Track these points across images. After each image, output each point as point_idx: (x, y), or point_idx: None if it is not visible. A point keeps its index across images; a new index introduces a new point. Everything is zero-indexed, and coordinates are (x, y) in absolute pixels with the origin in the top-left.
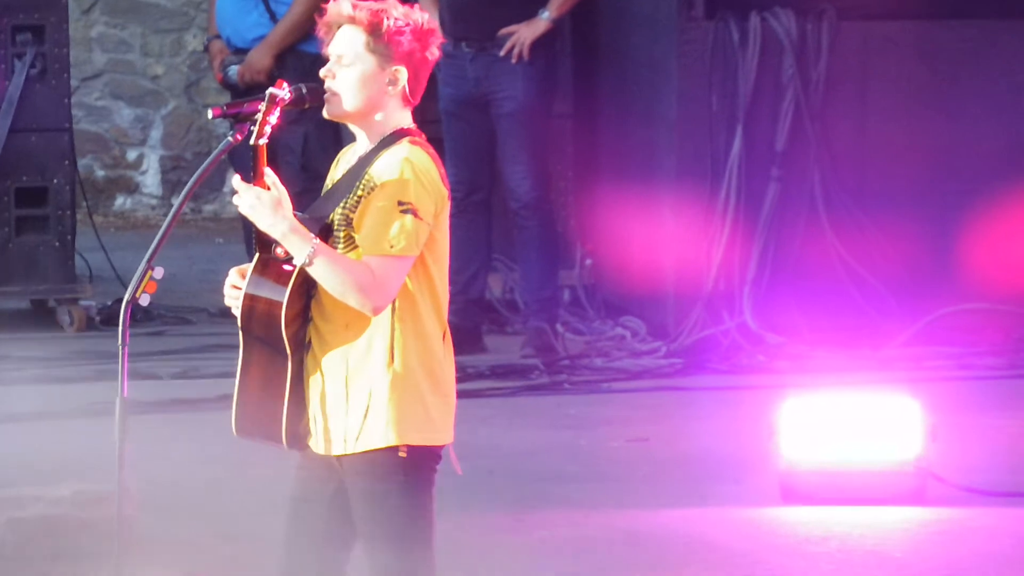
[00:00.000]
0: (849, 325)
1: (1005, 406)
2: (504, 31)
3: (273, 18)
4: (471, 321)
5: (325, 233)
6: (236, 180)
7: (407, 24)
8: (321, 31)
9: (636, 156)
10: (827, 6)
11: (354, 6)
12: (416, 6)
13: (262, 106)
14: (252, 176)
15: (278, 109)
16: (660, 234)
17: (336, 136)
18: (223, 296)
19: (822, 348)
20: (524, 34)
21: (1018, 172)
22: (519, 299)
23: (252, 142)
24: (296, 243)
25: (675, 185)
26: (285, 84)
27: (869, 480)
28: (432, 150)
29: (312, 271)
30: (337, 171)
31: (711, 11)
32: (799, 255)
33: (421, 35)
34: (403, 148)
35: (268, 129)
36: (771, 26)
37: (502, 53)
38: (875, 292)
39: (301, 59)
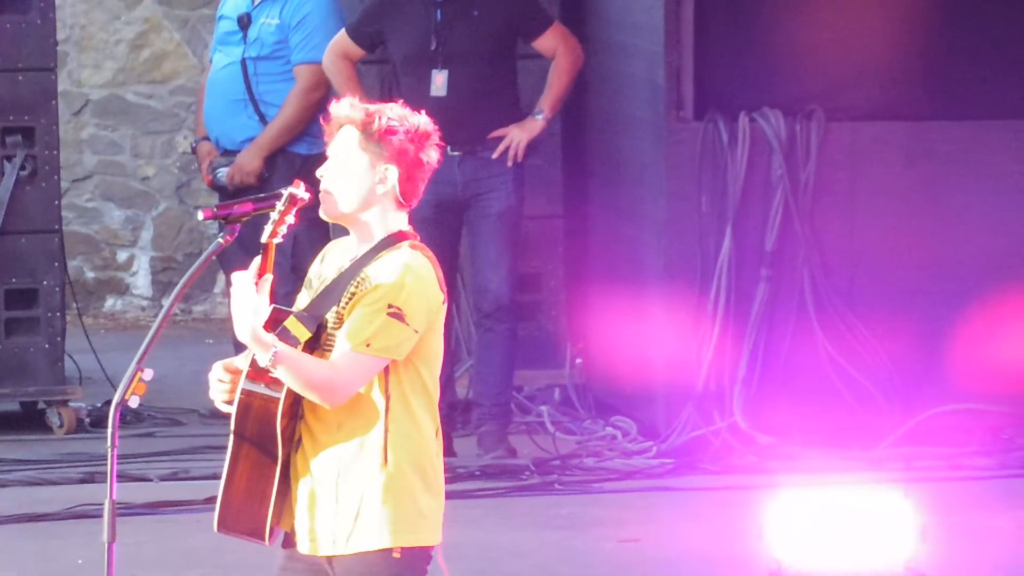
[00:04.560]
0: (839, 425)
1: (995, 506)
2: (495, 133)
3: (263, 120)
4: (447, 427)
5: (320, 331)
6: (250, 275)
7: (401, 124)
8: (327, 135)
9: (625, 256)
10: (816, 107)
11: (351, 106)
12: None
13: (280, 204)
14: (258, 271)
15: (295, 209)
16: (650, 334)
17: (325, 236)
18: (209, 392)
19: (812, 448)
20: (519, 136)
21: (1007, 272)
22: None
23: (264, 240)
24: (258, 349)
25: (664, 285)
26: (302, 184)
27: None
28: (431, 254)
29: (276, 374)
30: (324, 266)
31: (700, 112)
32: (789, 355)
33: (416, 137)
34: (404, 253)
35: (284, 228)
36: (760, 127)
37: (495, 155)
38: (864, 392)
39: (291, 160)
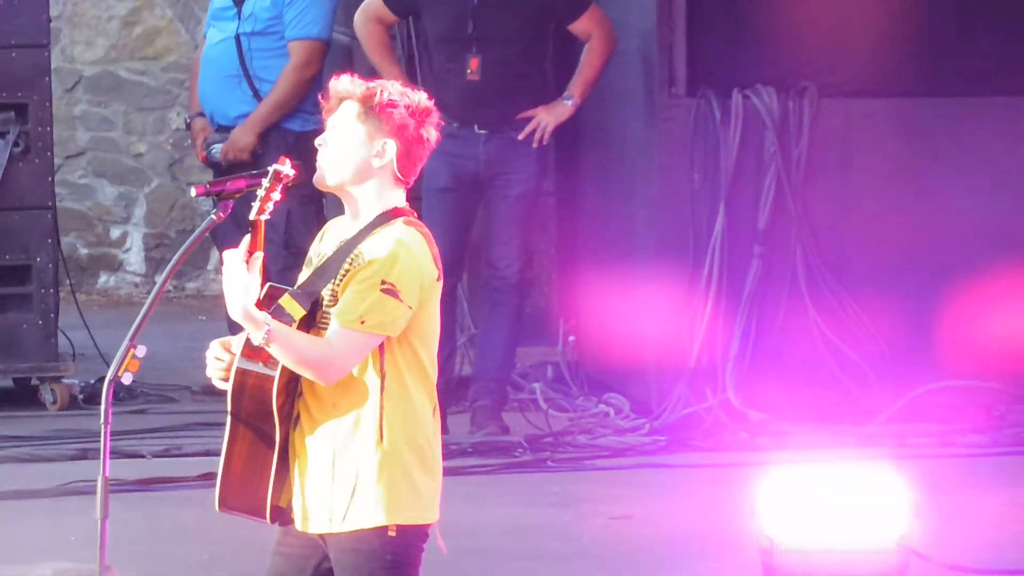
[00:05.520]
0: (831, 402)
1: (988, 483)
2: (523, 115)
3: (257, 96)
4: (441, 404)
5: (315, 308)
6: (240, 252)
7: (401, 99)
8: (326, 110)
9: (618, 233)
10: (808, 84)
11: (351, 81)
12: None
13: (265, 182)
14: (248, 249)
15: (281, 186)
16: (642, 311)
17: (319, 213)
18: (206, 371)
19: (804, 425)
20: (547, 119)
21: (998, 249)
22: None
23: (252, 217)
24: (250, 327)
25: (657, 262)
26: (288, 160)
27: (851, 558)
28: (427, 231)
29: (270, 351)
30: (323, 244)
31: (692, 89)
32: (781, 332)
33: (416, 112)
34: (397, 228)
35: (270, 206)
36: (753, 103)
37: (521, 137)
38: (857, 369)
39: (284, 136)
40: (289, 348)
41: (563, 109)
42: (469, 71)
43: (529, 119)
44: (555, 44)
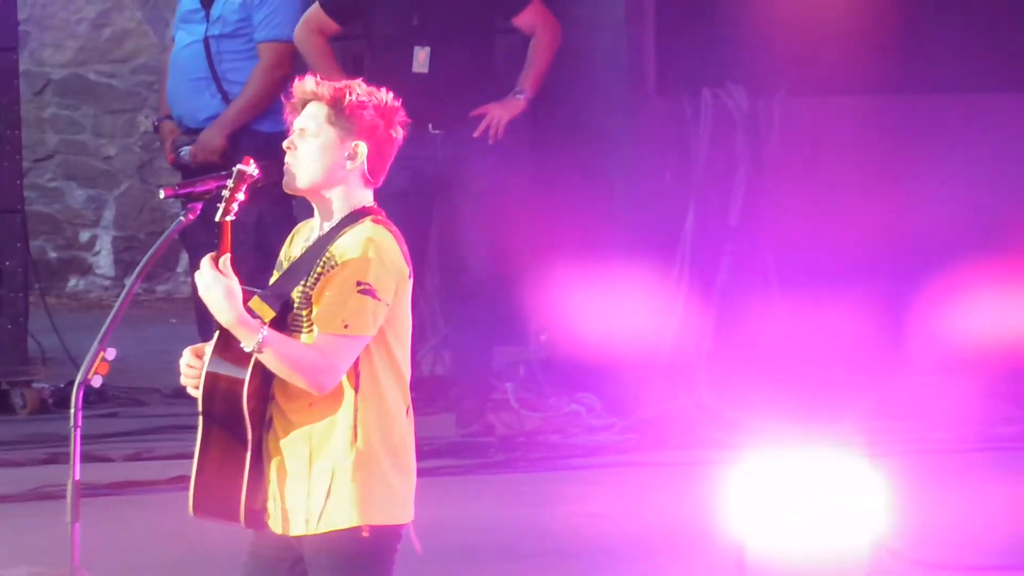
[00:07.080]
0: (804, 399)
1: (960, 480)
2: (477, 112)
3: (225, 99)
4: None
5: (286, 310)
6: (206, 259)
7: (370, 100)
8: (288, 112)
9: (590, 230)
10: (779, 81)
11: (317, 83)
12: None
13: (230, 183)
14: (216, 253)
15: (245, 186)
16: (615, 309)
17: (290, 214)
18: (178, 376)
19: (778, 422)
20: (500, 115)
21: (970, 245)
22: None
23: (218, 219)
24: (244, 333)
25: (629, 260)
26: (252, 161)
27: (824, 555)
28: (395, 229)
29: (261, 358)
30: (292, 248)
31: (662, 86)
32: (753, 329)
33: (384, 112)
34: (366, 227)
35: (235, 206)
36: (723, 101)
37: (476, 134)
38: (829, 366)
39: (254, 138)
40: (283, 356)
41: (515, 103)
42: (417, 63)
43: (482, 116)
44: (511, 46)
